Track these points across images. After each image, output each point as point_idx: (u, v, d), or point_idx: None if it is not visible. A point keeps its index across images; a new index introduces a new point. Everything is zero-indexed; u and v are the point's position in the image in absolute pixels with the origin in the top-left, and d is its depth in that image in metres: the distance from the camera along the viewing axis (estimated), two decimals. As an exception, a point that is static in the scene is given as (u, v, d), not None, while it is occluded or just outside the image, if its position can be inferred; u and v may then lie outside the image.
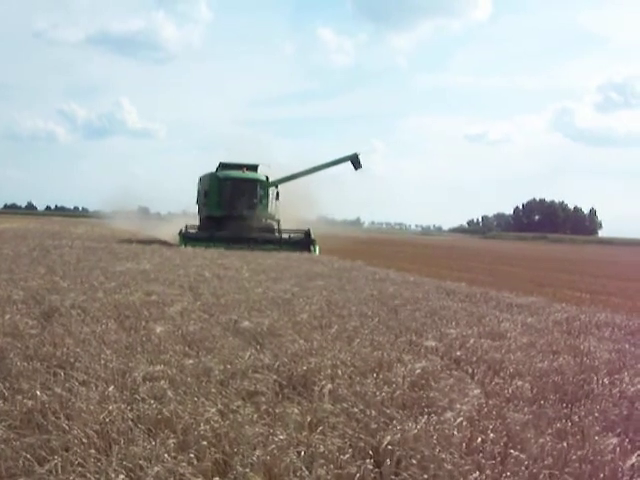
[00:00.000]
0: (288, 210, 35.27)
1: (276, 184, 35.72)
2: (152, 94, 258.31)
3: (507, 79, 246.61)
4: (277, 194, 35.20)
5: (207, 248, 28.26)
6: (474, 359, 7.88)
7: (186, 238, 32.20)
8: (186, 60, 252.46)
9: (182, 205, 57.83)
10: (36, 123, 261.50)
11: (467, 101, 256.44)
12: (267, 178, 35.91)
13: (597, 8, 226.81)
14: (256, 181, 35.63)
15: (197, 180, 39.33)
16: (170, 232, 37.64)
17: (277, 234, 34.57)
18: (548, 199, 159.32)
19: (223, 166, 36.58)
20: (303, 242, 33.23)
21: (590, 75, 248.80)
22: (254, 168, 36.59)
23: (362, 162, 36.16)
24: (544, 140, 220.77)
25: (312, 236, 33.44)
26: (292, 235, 34.23)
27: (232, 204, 34.51)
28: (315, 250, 32.39)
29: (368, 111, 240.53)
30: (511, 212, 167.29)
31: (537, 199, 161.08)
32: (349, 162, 36.24)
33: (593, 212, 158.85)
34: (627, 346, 9.30)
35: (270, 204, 35.55)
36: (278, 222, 34.96)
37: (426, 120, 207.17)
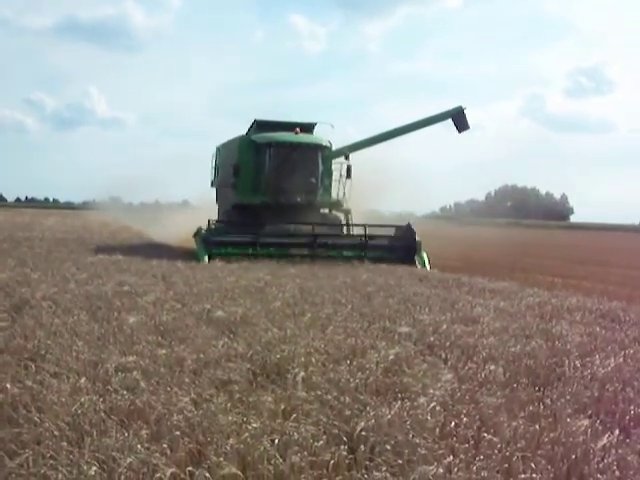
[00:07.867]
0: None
1: (346, 153, 22.59)
2: (122, 83, 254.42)
3: (478, 66, 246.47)
4: (348, 169, 22.13)
5: (241, 260, 17.81)
6: (447, 344, 7.92)
7: (210, 245, 18.82)
8: (157, 48, 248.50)
9: (155, 195, 57.00)
10: (3, 113, 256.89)
11: (439, 88, 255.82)
12: (330, 144, 22.54)
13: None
14: (317, 147, 21.89)
15: (214, 151, 26.39)
16: (152, 225, 31.47)
17: (353, 234, 21.55)
18: (520, 185, 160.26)
19: (261, 125, 22.67)
20: (401, 248, 20.17)
21: (560, 61, 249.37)
22: (310, 128, 23.19)
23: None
24: (515, 126, 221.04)
25: (417, 237, 20.09)
26: (375, 234, 20.82)
27: (279, 185, 21.40)
28: (424, 262, 19.60)
29: (341, 98, 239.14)
30: (483, 198, 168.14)
31: (509, 185, 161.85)
32: (450, 121, 23.58)
33: (564, 198, 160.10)
34: (598, 329, 9.41)
35: (336, 185, 22.62)
36: (347, 214, 22.43)
37: (398, 106, 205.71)
